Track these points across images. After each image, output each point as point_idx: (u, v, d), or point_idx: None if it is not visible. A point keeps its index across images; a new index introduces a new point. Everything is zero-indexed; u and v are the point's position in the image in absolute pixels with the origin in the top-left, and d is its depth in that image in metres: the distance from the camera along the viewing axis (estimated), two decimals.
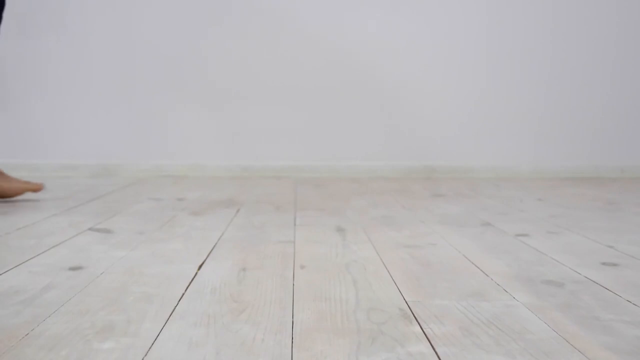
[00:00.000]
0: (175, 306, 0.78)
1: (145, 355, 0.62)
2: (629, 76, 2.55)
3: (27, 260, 1.00)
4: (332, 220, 1.41)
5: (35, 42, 2.39)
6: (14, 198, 1.66)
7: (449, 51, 2.52)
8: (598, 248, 1.15)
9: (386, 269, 0.97)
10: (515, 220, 1.45)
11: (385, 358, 0.62)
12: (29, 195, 1.79)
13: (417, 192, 1.98)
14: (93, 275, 0.92)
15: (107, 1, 2.40)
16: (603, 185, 2.22)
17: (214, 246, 1.13)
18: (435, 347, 0.65)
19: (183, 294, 0.83)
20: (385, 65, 2.50)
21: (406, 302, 0.80)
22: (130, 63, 2.47)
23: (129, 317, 0.73)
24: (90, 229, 1.28)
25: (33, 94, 2.43)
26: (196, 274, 0.93)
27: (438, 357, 0.63)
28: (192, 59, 2.48)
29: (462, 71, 2.52)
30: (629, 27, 2.53)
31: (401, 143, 2.52)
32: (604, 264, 1.03)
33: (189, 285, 0.87)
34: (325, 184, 2.20)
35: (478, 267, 0.99)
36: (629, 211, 1.61)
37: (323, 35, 2.49)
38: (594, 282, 0.91)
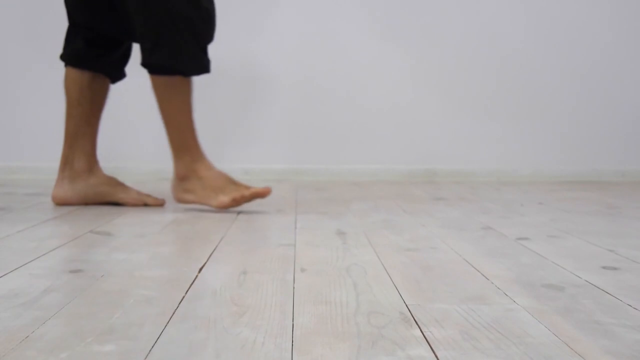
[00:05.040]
0: (176, 309, 0.78)
1: (145, 358, 0.62)
2: (630, 79, 2.55)
3: (27, 263, 1.00)
4: (333, 224, 1.42)
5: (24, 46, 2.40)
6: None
7: (442, 57, 2.52)
8: (599, 252, 1.15)
9: (387, 272, 0.97)
10: (516, 224, 1.45)
11: None
12: (28, 197, 1.79)
13: (418, 195, 1.98)
14: (93, 278, 0.92)
15: None
16: (604, 189, 2.22)
17: (215, 249, 1.13)
18: (435, 350, 0.65)
19: (183, 297, 0.83)
20: (380, 68, 2.51)
21: (406, 305, 0.80)
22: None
23: (129, 320, 0.73)
24: (90, 231, 1.29)
25: (35, 97, 2.43)
26: (196, 277, 0.94)
27: None
28: None
29: (462, 74, 2.52)
30: (630, 29, 2.54)
31: (402, 147, 2.53)
32: (604, 268, 1.03)
33: (189, 289, 0.87)
34: (326, 187, 2.20)
35: (478, 271, 0.99)
36: (630, 215, 1.61)
37: (313, 41, 2.49)
38: (595, 286, 0.91)
